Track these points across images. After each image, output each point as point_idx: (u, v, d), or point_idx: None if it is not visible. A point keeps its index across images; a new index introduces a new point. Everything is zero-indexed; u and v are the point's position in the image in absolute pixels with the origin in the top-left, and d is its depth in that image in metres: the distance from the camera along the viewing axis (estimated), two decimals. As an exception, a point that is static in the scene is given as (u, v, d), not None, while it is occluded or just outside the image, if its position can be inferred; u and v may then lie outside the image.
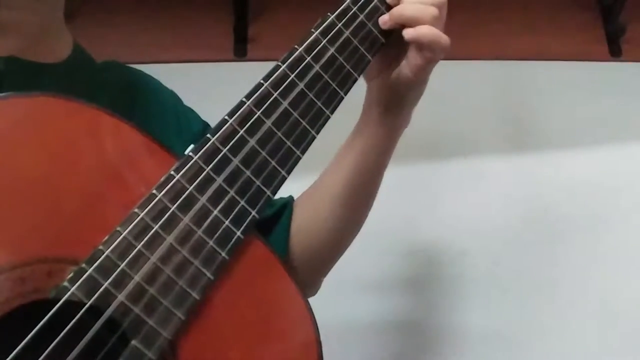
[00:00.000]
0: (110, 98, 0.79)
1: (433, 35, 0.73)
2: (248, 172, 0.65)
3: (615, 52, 1.76)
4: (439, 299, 1.51)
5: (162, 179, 0.62)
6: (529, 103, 1.70)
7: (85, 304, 0.56)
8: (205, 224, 0.62)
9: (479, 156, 1.63)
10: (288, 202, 0.90)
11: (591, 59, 1.75)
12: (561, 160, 1.63)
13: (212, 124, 0.68)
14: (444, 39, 0.74)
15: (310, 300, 0.86)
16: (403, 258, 1.53)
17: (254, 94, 0.67)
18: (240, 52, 1.70)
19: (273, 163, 0.66)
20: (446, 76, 1.61)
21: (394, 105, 0.81)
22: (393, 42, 0.77)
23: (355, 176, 0.85)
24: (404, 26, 0.75)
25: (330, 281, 0.93)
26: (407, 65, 0.77)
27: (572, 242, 1.55)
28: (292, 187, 0.90)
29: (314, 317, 0.66)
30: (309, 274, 0.89)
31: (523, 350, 1.46)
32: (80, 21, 1.63)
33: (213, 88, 1.49)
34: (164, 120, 0.85)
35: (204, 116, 0.91)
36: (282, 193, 0.90)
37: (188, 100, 0.93)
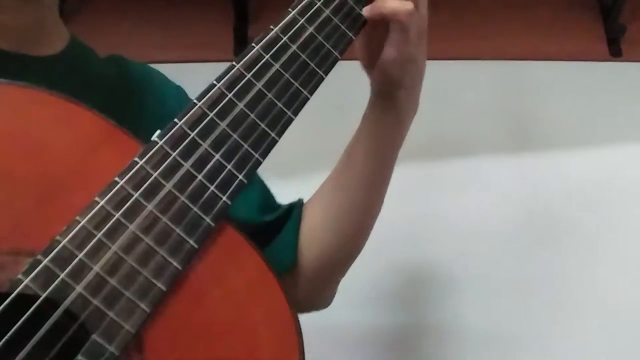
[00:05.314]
0: (106, 91, 0.79)
1: (391, 6, 0.71)
2: (218, 156, 0.61)
3: (615, 52, 1.76)
4: (438, 299, 1.50)
5: (125, 166, 0.58)
6: (529, 103, 1.69)
7: (40, 296, 0.53)
8: (172, 211, 0.58)
9: (479, 156, 1.63)
10: (295, 206, 0.87)
11: (591, 59, 1.75)
12: (561, 160, 1.62)
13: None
14: (404, 3, 0.71)
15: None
16: (402, 258, 1.51)
17: (225, 77, 0.64)
18: (240, 52, 1.67)
19: (246, 146, 0.63)
20: (446, 76, 1.64)
21: (386, 89, 0.79)
22: (381, 26, 0.75)
23: (357, 168, 0.83)
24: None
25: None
26: (388, 43, 0.75)
27: (571, 243, 1.53)
28: (299, 190, 0.89)
29: (294, 308, 0.62)
30: (322, 281, 0.86)
31: (523, 351, 1.45)
32: (80, 21, 1.64)
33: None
34: (163, 114, 0.82)
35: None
36: (286, 198, 0.89)
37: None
